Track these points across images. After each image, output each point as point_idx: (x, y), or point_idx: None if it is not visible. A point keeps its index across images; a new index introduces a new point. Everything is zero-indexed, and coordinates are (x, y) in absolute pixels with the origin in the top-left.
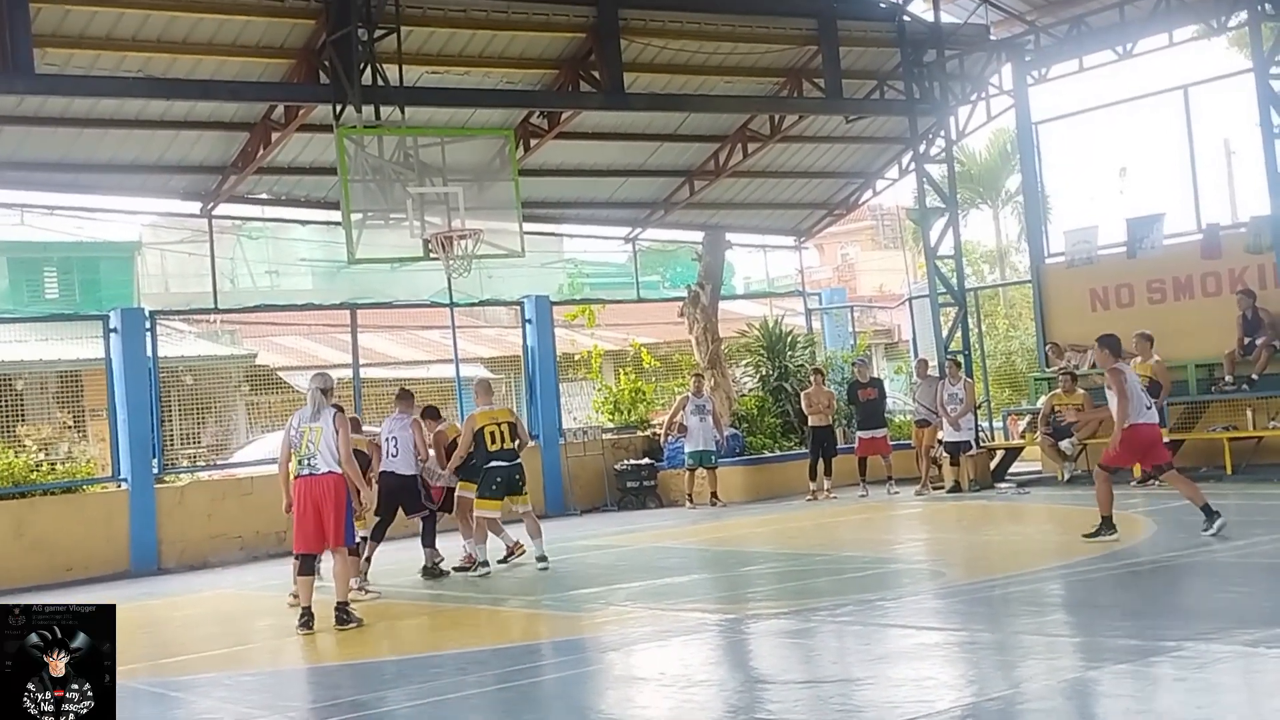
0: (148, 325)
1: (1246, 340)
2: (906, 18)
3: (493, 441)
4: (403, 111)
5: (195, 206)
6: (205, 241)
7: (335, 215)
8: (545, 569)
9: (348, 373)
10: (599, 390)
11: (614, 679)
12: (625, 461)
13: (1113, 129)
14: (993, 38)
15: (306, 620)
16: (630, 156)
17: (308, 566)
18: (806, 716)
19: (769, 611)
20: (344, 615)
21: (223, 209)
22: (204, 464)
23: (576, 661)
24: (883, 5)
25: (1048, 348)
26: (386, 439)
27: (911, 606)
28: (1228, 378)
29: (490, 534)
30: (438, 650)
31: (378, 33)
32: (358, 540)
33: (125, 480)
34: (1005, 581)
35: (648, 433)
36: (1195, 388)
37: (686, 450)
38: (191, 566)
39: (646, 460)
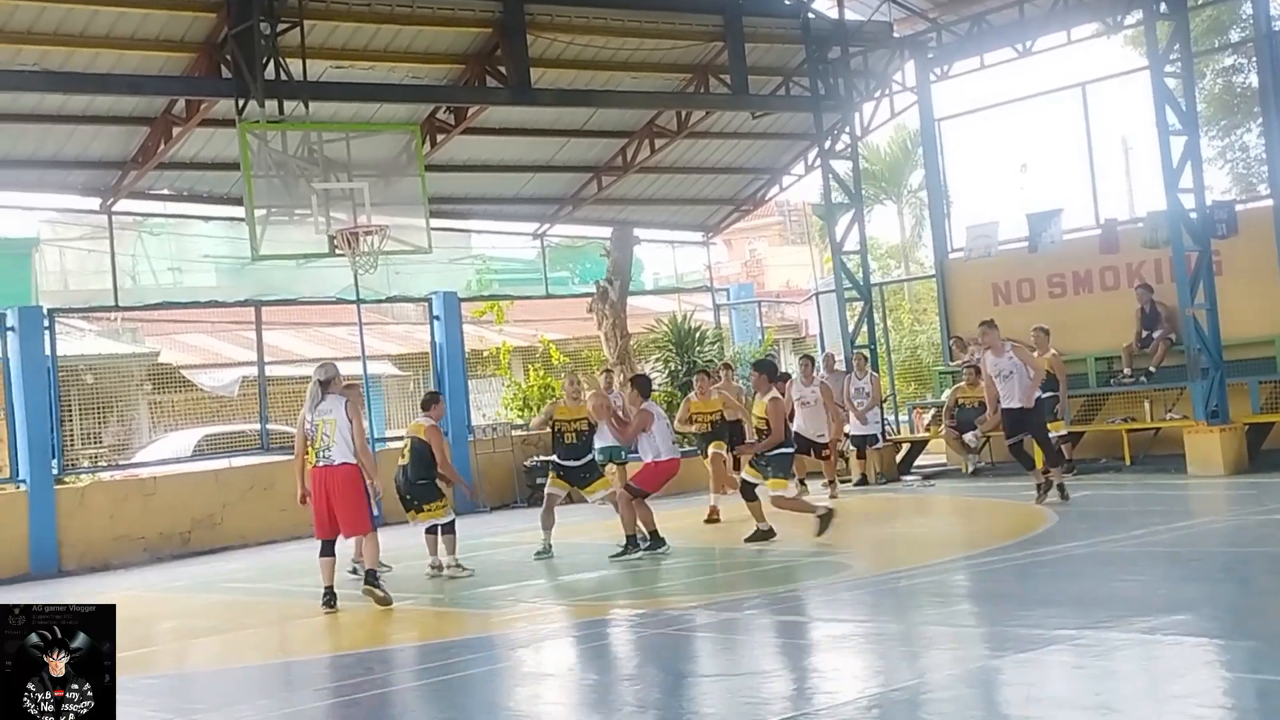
0: (46, 323)
1: (1144, 334)
2: (811, 14)
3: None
4: (306, 106)
5: (94, 202)
6: (105, 238)
7: (239, 211)
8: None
9: (253, 370)
10: (508, 387)
11: (523, 675)
12: (535, 458)
13: (1013, 125)
14: (896, 35)
15: (328, 599)
16: (538, 152)
17: (326, 550)
18: (715, 709)
19: (677, 606)
20: (373, 579)
21: (123, 205)
22: (105, 464)
23: (486, 659)
24: (787, 2)
25: (951, 342)
26: None
27: (819, 599)
28: (1126, 370)
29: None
30: (346, 650)
31: (280, 26)
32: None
33: (24, 481)
34: (911, 573)
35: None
36: (1095, 380)
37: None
38: (93, 568)
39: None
